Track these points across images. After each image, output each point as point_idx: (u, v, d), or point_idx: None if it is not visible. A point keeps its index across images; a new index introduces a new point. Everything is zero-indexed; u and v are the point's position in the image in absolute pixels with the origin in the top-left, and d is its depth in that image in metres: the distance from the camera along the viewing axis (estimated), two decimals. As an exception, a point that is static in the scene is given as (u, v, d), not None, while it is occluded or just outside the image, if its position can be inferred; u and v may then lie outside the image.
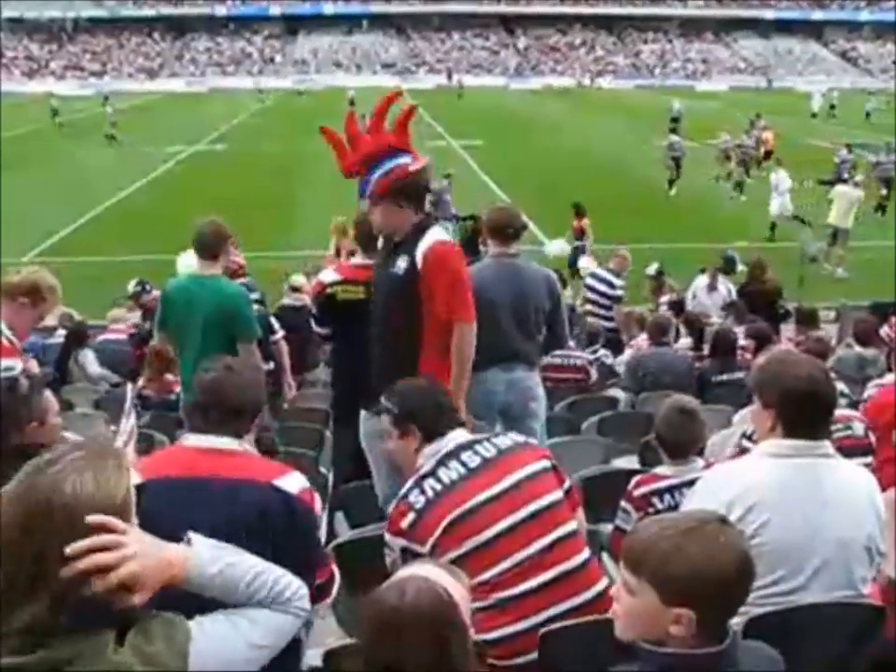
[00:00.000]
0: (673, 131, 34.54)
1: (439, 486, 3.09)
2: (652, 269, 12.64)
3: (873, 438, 4.58)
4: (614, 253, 11.49)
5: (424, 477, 3.15)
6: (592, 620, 2.88)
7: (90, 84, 75.49)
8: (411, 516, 3.06)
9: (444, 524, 3.00)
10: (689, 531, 2.07)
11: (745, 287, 11.44)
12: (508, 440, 3.26)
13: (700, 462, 3.98)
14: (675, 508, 3.69)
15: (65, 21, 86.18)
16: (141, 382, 7.50)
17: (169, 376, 7.46)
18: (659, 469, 4.01)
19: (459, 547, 2.99)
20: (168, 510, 2.69)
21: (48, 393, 3.57)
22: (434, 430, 3.27)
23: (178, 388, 6.66)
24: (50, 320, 11.29)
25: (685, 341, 9.22)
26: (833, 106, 48.80)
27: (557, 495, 3.14)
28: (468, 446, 3.20)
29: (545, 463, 3.21)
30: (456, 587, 2.07)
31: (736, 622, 2.67)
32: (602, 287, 10.75)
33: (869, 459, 4.31)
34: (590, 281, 11.08)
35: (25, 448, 3.22)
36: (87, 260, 18.06)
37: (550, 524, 3.07)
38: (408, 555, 3.01)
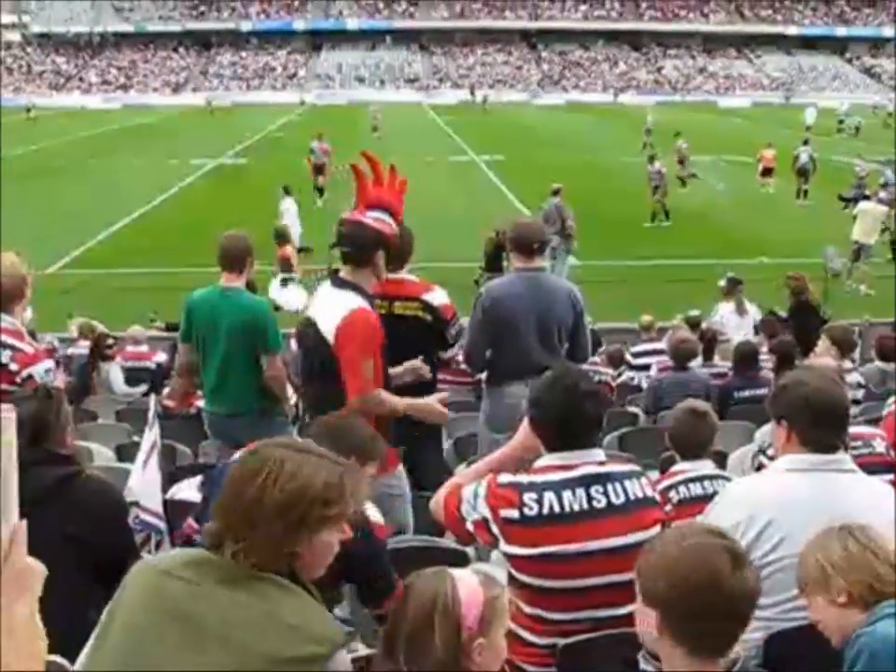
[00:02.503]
0: (649, 145, 34.74)
1: (557, 509, 2.92)
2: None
3: (893, 454, 4.59)
4: (641, 326, 11.21)
5: (546, 487, 2.96)
6: (610, 634, 2.88)
7: (115, 98, 76.23)
8: (513, 513, 2.92)
9: (543, 551, 2.89)
10: (671, 538, 2.17)
11: (796, 309, 10.81)
12: (638, 488, 3.03)
13: (711, 462, 4.08)
14: (691, 499, 3.79)
15: (92, 35, 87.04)
16: (165, 392, 7.53)
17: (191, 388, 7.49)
18: (673, 468, 4.11)
19: (542, 579, 2.91)
20: None
21: None
22: (547, 442, 3.09)
23: (200, 401, 6.68)
24: (72, 330, 11.37)
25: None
26: (841, 121, 48.89)
27: None
28: (599, 480, 2.99)
29: (657, 531, 2.97)
30: (473, 590, 2.12)
31: (758, 637, 2.68)
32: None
33: (892, 476, 4.31)
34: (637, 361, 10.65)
35: (64, 457, 3.27)
36: (112, 272, 18.21)
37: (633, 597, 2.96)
38: (488, 531, 2.95)
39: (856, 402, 6.41)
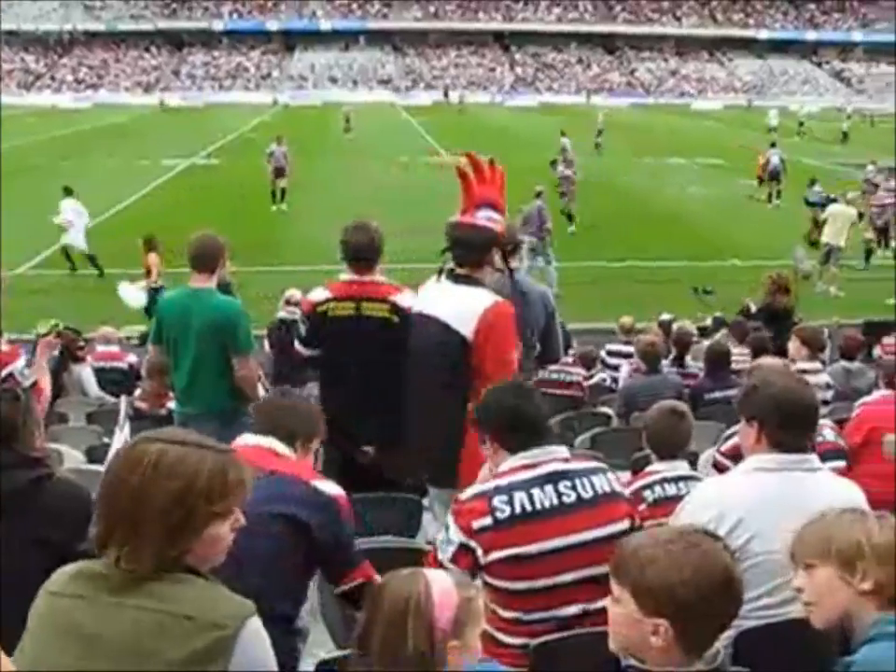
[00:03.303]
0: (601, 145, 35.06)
1: (528, 507, 2.94)
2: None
3: (842, 442, 4.79)
4: (620, 327, 11.22)
5: (515, 487, 2.98)
6: (585, 633, 2.90)
7: (85, 97, 75.60)
8: (487, 520, 2.93)
9: (519, 552, 2.90)
10: (669, 542, 2.10)
11: (769, 304, 10.92)
12: (606, 483, 3.07)
13: (686, 463, 4.12)
14: (665, 499, 3.80)
15: (62, 34, 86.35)
16: (136, 394, 7.49)
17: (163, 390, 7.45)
18: (649, 468, 4.12)
19: (509, 581, 2.92)
20: None
21: None
22: (508, 441, 3.11)
23: (171, 402, 6.66)
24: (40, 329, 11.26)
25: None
26: (801, 123, 49.33)
27: None
28: (567, 476, 3.03)
29: (625, 524, 3.03)
30: (447, 592, 2.11)
31: (728, 635, 2.70)
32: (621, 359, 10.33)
33: (842, 463, 4.48)
34: (611, 360, 10.59)
35: (34, 459, 3.24)
36: (83, 273, 18.08)
37: (608, 590, 2.97)
38: (466, 553, 2.93)
39: (824, 402, 6.47)
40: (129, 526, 1.89)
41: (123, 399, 5.63)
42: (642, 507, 3.86)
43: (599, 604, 2.83)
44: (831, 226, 17.88)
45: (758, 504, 2.89)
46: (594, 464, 3.22)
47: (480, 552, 2.92)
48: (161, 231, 18.79)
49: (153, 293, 14.79)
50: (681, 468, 4.10)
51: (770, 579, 2.83)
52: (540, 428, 3.14)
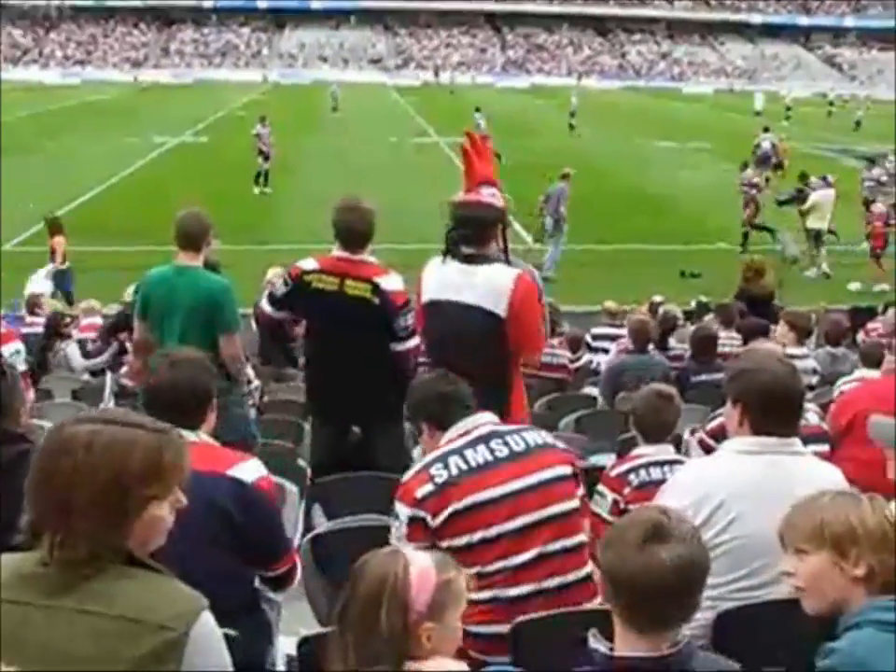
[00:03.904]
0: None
1: (464, 466, 3.06)
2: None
3: (825, 426, 4.82)
4: (605, 311, 11.15)
5: (449, 454, 3.11)
6: (566, 611, 2.92)
7: (73, 73, 75.04)
8: (428, 487, 3.02)
9: (457, 507, 2.99)
10: (627, 529, 2.16)
11: (745, 290, 10.92)
12: (538, 437, 3.22)
13: (672, 447, 4.13)
14: (650, 483, 3.82)
15: (50, 8, 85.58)
16: (122, 371, 7.48)
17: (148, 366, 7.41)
18: (635, 451, 4.13)
19: (461, 537, 2.98)
20: None
21: None
22: (441, 420, 3.26)
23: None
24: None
25: None
26: (789, 108, 49.26)
27: (573, 503, 3.13)
28: (498, 435, 3.18)
29: (567, 469, 3.16)
30: (425, 573, 2.09)
31: (707, 616, 2.71)
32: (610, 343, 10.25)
33: (825, 447, 4.51)
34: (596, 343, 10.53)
35: (19, 435, 3.23)
36: (70, 250, 17.97)
37: (560, 532, 3.05)
38: (416, 524, 2.99)
39: (810, 388, 6.50)
40: (62, 513, 1.80)
41: (108, 375, 5.63)
42: (627, 490, 3.87)
43: (557, 545, 3.02)
44: (818, 212, 17.93)
45: (740, 486, 2.90)
46: (525, 426, 3.42)
47: (429, 518, 3.00)
48: (149, 207, 18.76)
49: (59, 276, 14.80)
50: (667, 451, 4.10)
51: (751, 561, 2.83)
52: (469, 404, 3.30)
